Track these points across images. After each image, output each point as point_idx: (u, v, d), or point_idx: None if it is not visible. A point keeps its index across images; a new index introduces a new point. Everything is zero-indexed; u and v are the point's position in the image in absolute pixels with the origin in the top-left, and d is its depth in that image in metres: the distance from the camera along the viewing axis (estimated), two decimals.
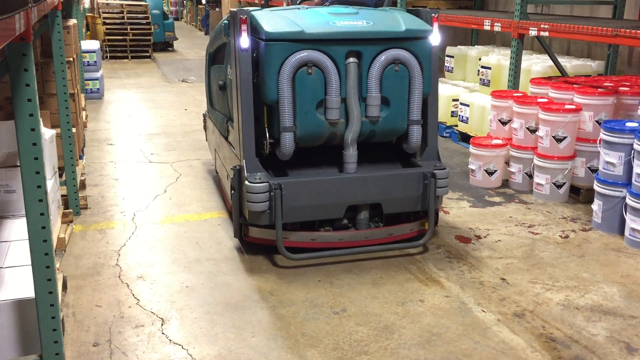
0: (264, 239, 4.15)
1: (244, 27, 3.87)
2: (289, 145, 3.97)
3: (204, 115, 6.06)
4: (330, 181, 4.05)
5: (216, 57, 5.26)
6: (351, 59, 3.96)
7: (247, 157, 4.03)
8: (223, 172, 5.02)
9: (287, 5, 5.43)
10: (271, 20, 3.92)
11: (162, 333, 3.35)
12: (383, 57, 3.97)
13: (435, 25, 4.25)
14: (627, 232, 4.54)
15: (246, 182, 3.92)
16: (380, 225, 4.27)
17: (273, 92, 3.88)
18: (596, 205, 4.82)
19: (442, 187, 4.21)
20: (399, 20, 4.09)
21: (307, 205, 4.00)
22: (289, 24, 3.90)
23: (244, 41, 3.90)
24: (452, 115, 7.66)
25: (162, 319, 3.49)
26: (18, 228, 3.54)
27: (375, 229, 4.23)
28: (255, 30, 3.94)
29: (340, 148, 4.16)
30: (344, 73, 3.95)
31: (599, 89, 5.38)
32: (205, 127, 6.10)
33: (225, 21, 4.39)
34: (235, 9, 4.01)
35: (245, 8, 4.04)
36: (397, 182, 4.14)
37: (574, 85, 5.56)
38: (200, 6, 23.99)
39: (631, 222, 4.48)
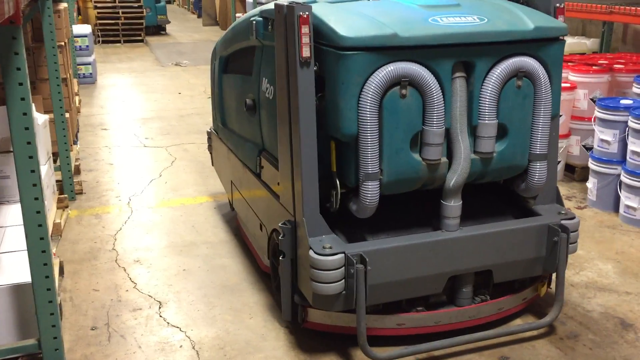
0: (332, 326, 3.05)
1: (305, 29, 2.71)
2: (371, 198, 2.85)
3: (209, 134, 4.77)
4: (428, 245, 2.96)
5: (231, 64, 4.12)
6: (458, 74, 2.91)
7: (308, 215, 2.87)
8: (250, 217, 3.84)
9: None
10: (345, 19, 2.81)
11: (160, 316, 3.36)
12: (500, 69, 2.92)
13: (561, 19, 3.17)
14: (621, 210, 4.56)
15: (311, 254, 2.79)
16: (487, 298, 3.18)
17: (350, 123, 2.77)
18: (591, 183, 4.84)
19: (573, 242, 3.19)
20: (519, 15, 3.03)
21: (398, 281, 2.93)
22: (374, 25, 2.78)
23: (307, 50, 2.74)
24: None
25: (159, 302, 3.50)
26: (13, 213, 3.54)
27: (482, 303, 3.15)
28: (319, 33, 2.80)
29: (428, 191, 3.11)
30: (448, 93, 2.90)
31: (594, 67, 5.37)
32: (211, 148, 4.83)
33: (258, 18, 3.33)
34: (284, 2, 2.82)
35: (300, 1, 2.85)
36: (514, 241, 3.09)
37: (569, 64, 5.54)
38: None
39: (626, 199, 4.49)
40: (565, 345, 3.10)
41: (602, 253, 4.07)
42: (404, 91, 2.79)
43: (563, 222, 3.13)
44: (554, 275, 3.29)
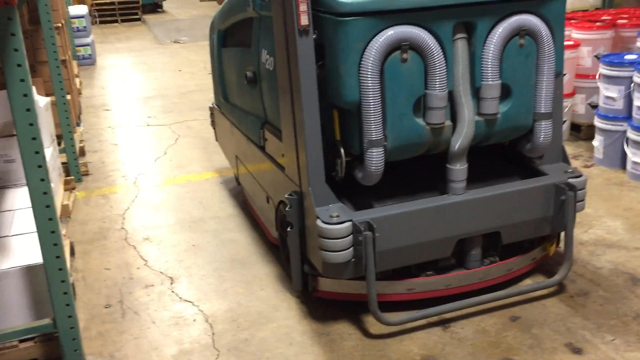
0: (343, 294, 3.08)
1: None
2: (377, 165, 2.83)
3: (211, 109, 4.80)
4: (435, 209, 2.95)
5: (230, 37, 4.11)
6: (459, 35, 2.86)
7: (314, 184, 2.86)
8: (256, 191, 3.86)
9: None
10: None
11: (172, 292, 3.39)
12: (501, 28, 2.87)
13: None
14: (628, 166, 4.54)
15: (319, 223, 2.78)
16: (496, 259, 3.19)
17: (352, 90, 2.75)
18: (597, 141, 4.81)
19: (581, 200, 3.16)
20: None
21: (407, 246, 2.93)
22: None
23: (305, 18, 2.69)
24: None
25: (171, 278, 3.53)
26: (21, 196, 3.55)
27: (491, 265, 3.15)
28: (317, 0, 2.76)
29: (433, 156, 3.09)
30: (450, 56, 2.86)
31: (597, 23, 5.30)
32: (214, 124, 4.84)
33: None
34: None
35: None
36: (521, 201, 3.08)
37: (572, 21, 5.47)
38: None
39: (632, 155, 4.47)
40: (575, 302, 3.11)
41: (610, 210, 4.06)
42: (405, 55, 2.75)
43: (570, 180, 3.11)
44: (562, 234, 3.29)
